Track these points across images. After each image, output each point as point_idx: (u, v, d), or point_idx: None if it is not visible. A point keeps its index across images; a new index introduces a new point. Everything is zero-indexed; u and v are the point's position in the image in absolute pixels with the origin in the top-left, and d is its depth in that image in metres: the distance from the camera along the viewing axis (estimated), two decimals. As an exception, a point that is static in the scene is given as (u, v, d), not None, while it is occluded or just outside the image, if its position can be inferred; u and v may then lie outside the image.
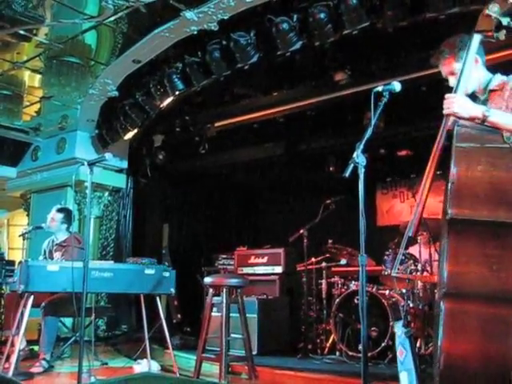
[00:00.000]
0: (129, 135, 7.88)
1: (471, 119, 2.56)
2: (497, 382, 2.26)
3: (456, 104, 2.60)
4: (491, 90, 2.80)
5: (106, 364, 5.88)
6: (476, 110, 2.58)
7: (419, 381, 2.88)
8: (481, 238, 2.36)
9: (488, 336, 2.29)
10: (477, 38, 2.70)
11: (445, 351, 2.29)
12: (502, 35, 2.67)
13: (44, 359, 5.40)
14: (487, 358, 2.27)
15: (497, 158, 2.40)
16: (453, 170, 2.37)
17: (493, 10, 2.63)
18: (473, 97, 2.84)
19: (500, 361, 2.26)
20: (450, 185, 2.36)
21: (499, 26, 2.64)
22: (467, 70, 2.70)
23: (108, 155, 4.50)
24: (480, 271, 2.33)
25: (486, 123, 2.54)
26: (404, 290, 5.80)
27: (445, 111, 2.66)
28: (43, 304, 5.48)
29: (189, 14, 5.43)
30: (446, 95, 2.66)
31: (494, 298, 2.30)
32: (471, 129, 2.51)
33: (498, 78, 2.83)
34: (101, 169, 8.02)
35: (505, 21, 2.63)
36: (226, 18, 5.45)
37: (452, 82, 2.88)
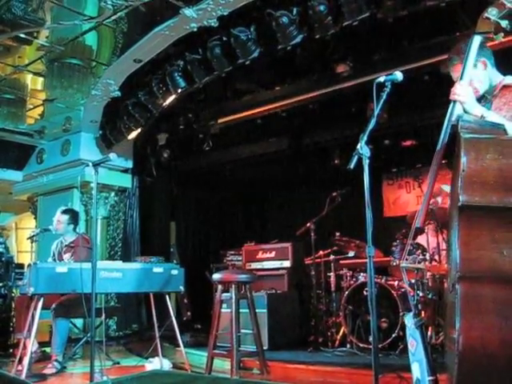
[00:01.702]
0: (133, 135, 7.88)
1: (473, 114, 2.68)
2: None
3: (465, 93, 2.74)
4: (505, 86, 2.86)
5: (118, 363, 5.91)
6: (477, 110, 2.73)
7: (431, 371, 2.87)
8: (491, 223, 2.42)
9: (504, 316, 2.34)
10: (477, 40, 2.80)
11: (463, 333, 2.33)
12: (500, 37, 2.77)
13: (56, 360, 5.43)
14: (505, 338, 2.32)
15: (504, 147, 2.46)
16: (462, 158, 2.42)
17: (492, 13, 2.74)
18: (481, 97, 2.92)
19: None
20: (460, 172, 2.41)
21: (498, 29, 2.74)
22: (467, 71, 2.79)
23: (113, 155, 4.51)
24: (491, 256, 2.38)
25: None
26: (413, 281, 5.79)
27: (453, 96, 2.76)
28: (53, 306, 5.50)
29: (188, 12, 5.42)
30: (458, 82, 2.76)
31: (507, 280, 2.36)
32: (474, 124, 2.60)
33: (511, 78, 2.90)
34: (106, 169, 8.04)
35: (503, 23, 2.73)
36: (225, 13, 5.44)
37: None
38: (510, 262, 2.38)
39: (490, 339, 2.33)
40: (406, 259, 5.93)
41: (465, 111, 2.76)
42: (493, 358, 2.32)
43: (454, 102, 2.78)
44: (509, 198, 2.40)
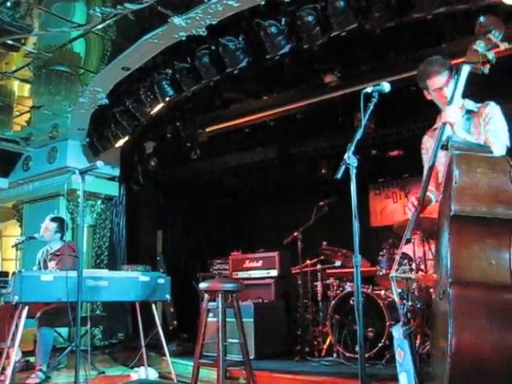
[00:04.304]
0: (120, 143, 7.86)
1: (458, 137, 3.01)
2: (509, 363, 2.42)
3: (456, 116, 3.07)
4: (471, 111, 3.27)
5: (103, 373, 5.86)
6: (463, 133, 3.09)
7: (419, 380, 2.90)
8: (480, 232, 2.62)
9: (494, 320, 2.48)
10: (466, 69, 3.06)
11: (455, 336, 2.43)
12: (486, 69, 3.06)
13: (40, 370, 5.37)
14: (496, 341, 2.45)
15: (493, 163, 2.70)
16: (455, 171, 2.64)
17: (480, 45, 3.01)
18: None
19: (509, 341, 2.45)
20: (453, 184, 2.61)
21: (485, 60, 3.03)
22: (457, 97, 3.09)
23: (99, 163, 4.50)
24: (480, 263, 2.58)
25: None
26: (400, 290, 5.81)
27: (446, 119, 3.06)
28: (38, 314, 5.45)
29: (177, 20, 5.43)
30: (451, 107, 3.08)
31: (495, 286, 2.54)
32: (463, 144, 2.90)
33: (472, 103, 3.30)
34: (93, 177, 8.01)
35: (490, 55, 3.02)
36: (214, 23, 5.46)
37: (433, 95, 3.34)
38: (497, 270, 2.55)
39: (482, 342, 2.44)
40: (397, 270, 5.96)
41: (454, 132, 3.03)
42: (484, 361, 2.43)
43: (444, 123, 3.05)
44: (497, 210, 2.59)
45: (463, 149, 2.79)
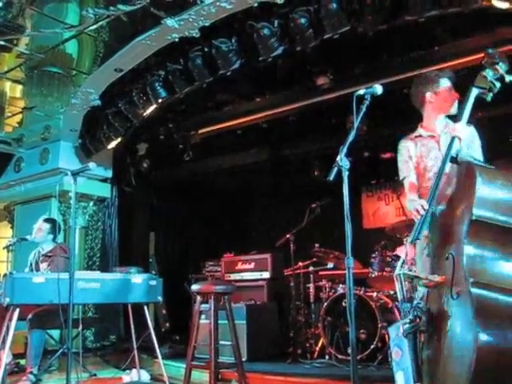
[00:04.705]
0: (112, 144, 7.83)
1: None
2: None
3: (465, 132, 3.24)
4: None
5: (95, 375, 5.83)
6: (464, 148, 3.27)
7: (418, 376, 2.92)
8: (495, 239, 2.80)
9: None
10: (474, 91, 3.24)
11: (481, 334, 2.51)
12: (489, 97, 3.26)
13: (31, 373, 5.34)
14: None
15: (510, 177, 2.92)
16: (478, 179, 2.82)
17: (489, 73, 3.22)
18: None
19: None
20: (476, 191, 2.79)
21: (492, 88, 3.23)
22: (466, 115, 3.25)
23: (92, 165, 4.48)
24: (494, 269, 2.76)
25: None
26: (392, 292, 5.82)
27: (454, 133, 3.21)
28: (29, 316, 5.42)
29: (170, 22, 5.43)
30: (461, 123, 3.25)
31: (509, 290, 2.68)
32: (472, 159, 3.11)
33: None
34: (85, 179, 7.97)
35: (498, 85, 3.23)
36: (207, 24, 5.45)
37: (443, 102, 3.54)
38: (507, 276, 2.74)
39: (506, 342, 2.55)
40: (385, 271, 5.97)
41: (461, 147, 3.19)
42: (509, 361, 2.52)
43: (454, 137, 3.19)
44: (511, 221, 2.79)
45: (475, 161, 3.01)
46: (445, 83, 3.54)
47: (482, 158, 3.34)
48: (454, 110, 3.54)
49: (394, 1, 4.62)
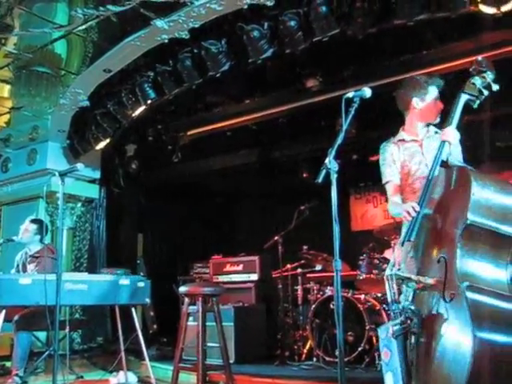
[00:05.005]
0: (101, 145, 7.79)
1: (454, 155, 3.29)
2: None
3: (455, 136, 3.28)
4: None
5: (82, 377, 5.80)
6: (459, 153, 3.38)
7: (407, 378, 2.93)
8: (487, 244, 2.87)
9: (507, 323, 2.67)
10: (464, 97, 3.28)
11: (477, 337, 2.56)
12: (476, 104, 3.31)
13: (17, 375, 5.30)
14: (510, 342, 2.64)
15: (503, 184, 3.00)
16: (473, 183, 2.87)
17: (477, 81, 3.26)
18: None
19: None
20: (470, 195, 2.84)
21: (479, 96, 3.28)
22: (456, 119, 3.28)
23: (80, 165, 4.47)
24: (485, 273, 2.83)
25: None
26: (379, 294, 5.84)
27: (445, 137, 3.25)
28: (15, 318, 5.38)
29: (159, 23, 5.42)
30: (452, 127, 3.28)
31: (500, 294, 2.75)
32: (461, 163, 3.24)
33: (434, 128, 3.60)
34: (73, 179, 7.94)
35: (485, 92, 3.28)
36: (196, 26, 5.45)
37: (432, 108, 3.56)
38: (497, 280, 2.81)
39: (500, 345, 2.62)
40: (373, 273, 5.99)
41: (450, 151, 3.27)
42: (502, 363, 2.60)
43: (444, 141, 3.23)
44: (504, 226, 2.85)
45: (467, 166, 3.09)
46: (432, 92, 3.54)
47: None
48: (435, 120, 3.58)
49: (384, 4, 4.65)
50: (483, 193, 2.88)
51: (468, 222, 2.81)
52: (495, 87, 3.26)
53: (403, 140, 3.62)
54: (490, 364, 2.56)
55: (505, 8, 4.28)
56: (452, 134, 3.26)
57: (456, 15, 4.42)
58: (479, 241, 2.85)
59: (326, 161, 2.88)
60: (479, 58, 3.36)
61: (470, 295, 2.67)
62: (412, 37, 5.39)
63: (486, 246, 2.85)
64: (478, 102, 3.29)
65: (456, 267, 2.78)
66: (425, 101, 3.54)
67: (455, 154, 3.32)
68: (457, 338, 2.66)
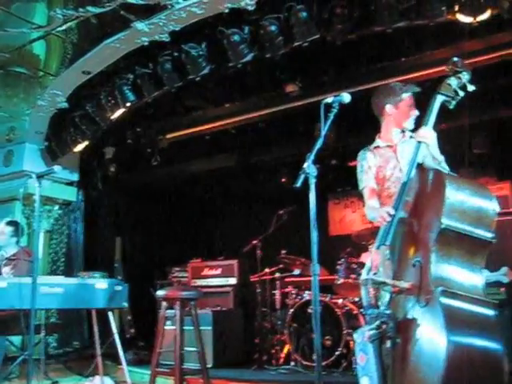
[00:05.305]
0: (79, 147, 7.73)
1: (433, 156, 3.27)
2: (493, 371, 2.65)
3: (431, 136, 3.26)
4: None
5: (57, 383, 5.73)
6: (438, 153, 3.32)
7: (383, 381, 2.94)
8: (461, 248, 2.86)
9: (480, 328, 2.70)
10: (439, 98, 3.27)
11: (451, 342, 2.58)
12: (452, 105, 3.29)
13: (-10, 380, 5.23)
14: (485, 347, 2.67)
15: (478, 187, 3.00)
16: (447, 187, 2.86)
17: (453, 82, 3.24)
18: None
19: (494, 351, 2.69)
20: (445, 199, 2.84)
21: (455, 97, 3.26)
22: (432, 120, 3.25)
23: (57, 168, 4.42)
24: (459, 278, 2.83)
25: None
26: (357, 299, 5.87)
27: (420, 138, 3.23)
28: (-10, 322, 5.30)
29: (140, 25, 5.40)
30: (425, 128, 3.26)
31: (475, 299, 2.77)
32: (436, 166, 3.17)
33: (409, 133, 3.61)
34: (50, 182, 7.84)
35: (461, 93, 3.26)
36: (177, 29, 5.44)
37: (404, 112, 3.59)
38: (472, 285, 2.82)
39: (474, 349, 2.63)
40: (351, 277, 6.02)
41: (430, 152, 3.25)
42: (475, 367, 2.60)
43: (420, 142, 3.21)
44: (478, 230, 2.85)
45: (442, 169, 3.07)
46: (406, 99, 3.58)
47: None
48: (409, 126, 3.59)
49: (363, 11, 4.70)
50: (458, 196, 2.87)
51: (442, 226, 2.80)
52: (471, 88, 3.26)
53: (378, 147, 3.68)
54: (464, 368, 2.57)
55: (480, 18, 4.37)
56: (428, 134, 3.25)
57: (434, 23, 4.49)
58: (454, 245, 2.84)
59: (305, 165, 2.89)
60: (455, 58, 3.33)
61: (444, 300, 2.68)
62: (391, 44, 5.45)
63: (460, 251, 2.85)
64: (453, 102, 3.28)
65: (431, 272, 2.79)
66: (398, 107, 3.57)
67: (435, 154, 3.30)
68: (431, 342, 2.67)
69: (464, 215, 2.85)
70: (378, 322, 2.99)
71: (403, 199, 3.15)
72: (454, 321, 2.64)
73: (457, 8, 4.36)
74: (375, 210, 3.39)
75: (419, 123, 3.41)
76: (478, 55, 5.25)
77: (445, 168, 3.25)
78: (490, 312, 2.74)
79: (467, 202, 2.89)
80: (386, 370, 2.97)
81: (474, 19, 4.37)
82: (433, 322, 2.69)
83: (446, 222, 2.80)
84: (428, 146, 3.24)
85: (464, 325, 2.66)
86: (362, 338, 3.07)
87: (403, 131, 3.63)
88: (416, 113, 3.58)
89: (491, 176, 6.14)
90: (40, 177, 4.37)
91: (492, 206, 2.91)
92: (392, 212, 3.12)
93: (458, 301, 2.71)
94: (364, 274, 3.28)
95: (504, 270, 4.80)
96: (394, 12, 4.50)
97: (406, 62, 5.84)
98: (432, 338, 2.67)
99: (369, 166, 3.67)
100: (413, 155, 3.21)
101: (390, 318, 2.97)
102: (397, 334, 2.94)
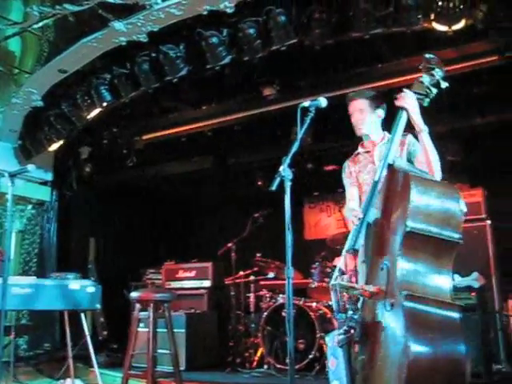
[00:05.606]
0: (54, 147, 7.63)
1: (415, 123, 3.23)
2: (457, 374, 2.65)
3: (411, 102, 3.20)
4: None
5: (27, 385, 5.65)
6: (420, 120, 3.22)
7: None
8: (428, 251, 2.83)
9: (445, 332, 2.69)
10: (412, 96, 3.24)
11: (413, 346, 2.59)
12: (426, 102, 3.26)
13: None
14: (448, 351, 2.66)
15: (445, 188, 2.94)
16: (413, 190, 2.82)
17: (425, 79, 3.24)
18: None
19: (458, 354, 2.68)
20: (410, 202, 2.80)
21: (428, 94, 3.25)
22: (402, 121, 3.24)
23: (31, 167, 4.36)
24: (426, 281, 2.81)
25: (419, 135, 3.26)
26: (331, 302, 5.90)
27: (399, 102, 3.22)
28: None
29: (117, 25, 5.36)
30: (405, 90, 3.24)
31: (441, 302, 2.76)
32: (407, 167, 3.14)
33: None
34: (24, 181, 7.74)
35: (433, 90, 3.25)
36: (155, 29, 5.41)
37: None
38: (439, 288, 2.79)
39: (436, 354, 2.62)
40: (324, 281, 6.05)
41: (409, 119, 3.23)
42: (437, 372, 2.61)
43: (402, 110, 3.20)
44: (445, 232, 2.82)
45: (412, 171, 3.03)
46: (348, 106, 3.68)
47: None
48: (359, 132, 3.64)
49: (341, 17, 4.73)
50: (423, 199, 2.83)
51: (407, 229, 2.77)
52: (444, 84, 3.24)
53: (358, 154, 3.75)
54: (425, 372, 2.57)
55: (455, 27, 4.45)
56: (409, 98, 3.21)
57: (410, 31, 4.56)
58: (420, 248, 2.82)
59: (281, 169, 2.90)
60: (428, 55, 3.33)
61: (407, 304, 2.67)
62: (368, 49, 5.51)
63: (426, 253, 2.82)
64: (427, 100, 3.26)
65: (396, 275, 2.78)
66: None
67: (417, 121, 3.24)
68: (395, 346, 2.68)
69: (430, 217, 2.82)
70: (345, 327, 3.00)
71: (374, 199, 3.15)
72: (416, 325, 2.64)
73: (432, 17, 4.43)
74: (351, 212, 3.43)
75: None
76: (452, 63, 5.32)
77: (427, 138, 3.22)
78: (455, 315, 2.73)
79: (433, 204, 2.85)
80: (354, 375, 2.99)
81: (449, 28, 4.45)
82: (396, 326, 2.70)
83: (410, 224, 2.78)
84: (408, 111, 3.21)
85: (426, 328, 2.66)
86: (332, 342, 3.09)
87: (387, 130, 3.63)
88: (353, 120, 3.64)
89: (464, 183, 6.23)
90: (13, 176, 4.31)
91: (459, 207, 2.88)
92: (360, 215, 3.14)
93: (421, 305, 2.70)
94: (333, 279, 3.30)
95: (475, 275, 4.89)
96: (371, 19, 4.55)
97: (383, 67, 5.90)
98: (395, 342, 2.68)
99: (349, 171, 3.75)
100: (384, 154, 3.22)
101: (357, 323, 2.98)
102: (366, 338, 2.96)
